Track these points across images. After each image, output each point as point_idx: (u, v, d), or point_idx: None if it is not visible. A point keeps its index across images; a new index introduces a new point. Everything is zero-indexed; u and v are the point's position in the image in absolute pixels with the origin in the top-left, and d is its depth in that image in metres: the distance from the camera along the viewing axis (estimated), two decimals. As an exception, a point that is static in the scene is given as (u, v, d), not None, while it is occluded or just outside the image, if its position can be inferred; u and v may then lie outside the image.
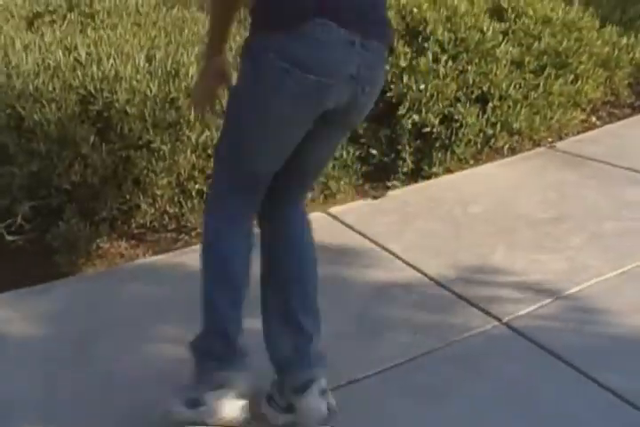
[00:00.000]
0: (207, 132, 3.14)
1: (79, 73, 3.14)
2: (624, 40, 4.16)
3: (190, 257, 2.99)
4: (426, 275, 2.65)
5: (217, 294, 1.83)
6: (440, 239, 2.94)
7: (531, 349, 2.16)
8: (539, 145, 3.97)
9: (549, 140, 4.03)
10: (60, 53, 3.28)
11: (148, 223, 3.17)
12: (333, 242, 2.86)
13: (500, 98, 3.68)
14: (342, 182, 3.54)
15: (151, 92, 3.12)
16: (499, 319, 2.32)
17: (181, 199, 3.23)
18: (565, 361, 2.08)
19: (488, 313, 2.36)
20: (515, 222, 3.05)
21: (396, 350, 2.16)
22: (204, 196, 3.26)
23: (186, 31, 3.88)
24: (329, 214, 3.28)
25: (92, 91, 3.08)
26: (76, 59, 3.30)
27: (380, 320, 2.34)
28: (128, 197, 3.11)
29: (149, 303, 2.61)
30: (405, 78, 3.51)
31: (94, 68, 3.19)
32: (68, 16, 4.29)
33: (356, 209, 3.32)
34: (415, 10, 3.65)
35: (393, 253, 2.81)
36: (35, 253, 3.00)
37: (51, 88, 3.01)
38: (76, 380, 2.13)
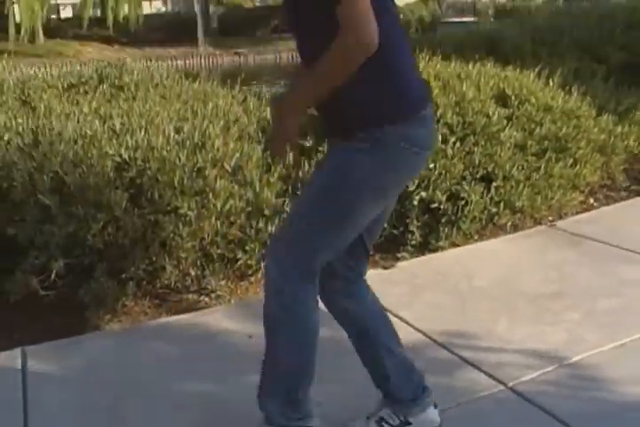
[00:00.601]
0: (231, 201, 3.35)
1: (114, 142, 3.38)
2: (619, 128, 4.45)
3: (210, 318, 3.18)
4: (435, 340, 2.82)
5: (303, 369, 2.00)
6: (447, 310, 3.11)
7: (536, 413, 2.30)
8: (540, 223, 4.19)
9: (550, 218, 4.26)
10: (97, 123, 3.53)
11: (173, 284, 3.34)
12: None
13: (504, 178, 3.92)
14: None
15: (180, 161, 3.35)
16: (504, 384, 2.47)
17: (204, 263, 3.42)
18: (569, 426, 2.22)
19: (493, 377, 2.51)
20: (517, 297, 3.23)
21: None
22: (225, 260, 3.48)
23: (210, 105, 4.16)
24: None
25: (127, 159, 3.31)
26: (111, 128, 3.55)
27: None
28: (154, 258, 3.29)
29: (172, 360, 2.76)
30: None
31: (128, 137, 3.43)
32: (99, 88, 4.58)
33: (367, 278, 3.49)
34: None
35: (403, 320, 2.97)
36: (65, 308, 3.17)
37: (89, 155, 3.24)
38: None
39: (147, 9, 29.78)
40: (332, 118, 1.97)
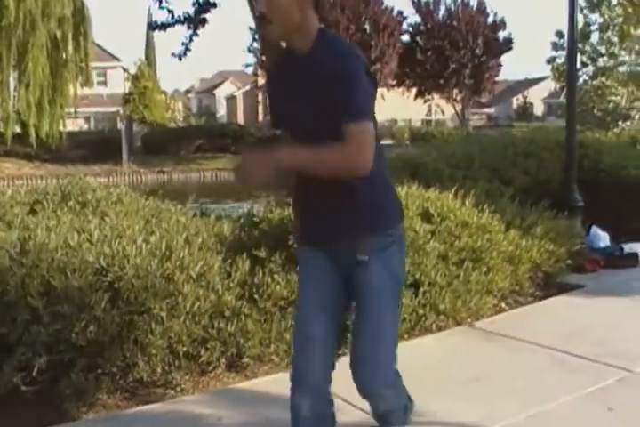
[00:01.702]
0: (197, 303, 3.81)
1: (93, 251, 3.83)
2: (524, 242, 5.17)
3: (179, 406, 3.56)
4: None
5: None
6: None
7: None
8: (460, 324, 4.76)
9: (468, 320, 4.84)
10: (75, 234, 3.98)
11: (144, 378, 3.70)
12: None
13: (430, 284, 4.53)
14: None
15: (151, 268, 3.82)
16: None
17: (170, 359, 3.81)
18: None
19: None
20: (445, 381, 3.75)
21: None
22: (189, 356, 3.88)
23: (172, 219, 4.69)
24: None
25: (105, 266, 3.76)
26: (88, 239, 4.01)
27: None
28: (128, 354, 3.67)
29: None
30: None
31: (105, 247, 3.90)
32: (63, 204, 5.04)
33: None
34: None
35: (347, 401, 3.42)
36: (43, 400, 3.48)
37: (72, 262, 3.67)
38: None
39: (69, 126, 30.37)
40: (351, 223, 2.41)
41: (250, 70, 44.59)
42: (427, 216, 4.79)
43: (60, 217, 4.35)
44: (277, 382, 3.83)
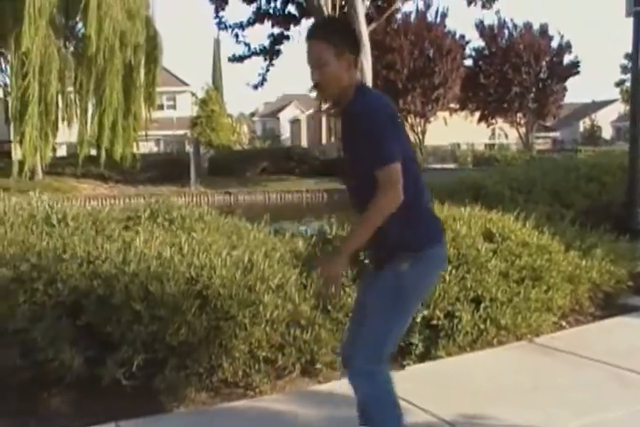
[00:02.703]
0: (276, 312, 4.18)
1: (184, 262, 4.25)
2: (583, 262, 5.40)
3: (255, 405, 3.91)
4: (445, 421, 3.58)
5: None
6: (452, 400, 3.88)
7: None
8: (520, 339, 5.00)
9: (529, 336, 5.07)
10: (168, 247, 4.41)
11: (228, 379, 4.08)
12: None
13: (491, 300, 4.80)
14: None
15: (235, 279, 4.21)
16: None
17: (251, 363, 4.18)
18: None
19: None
20: (505, 390, 4.01)
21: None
22: (267, 361, 4.24)
23: (250, 236, 5.09)
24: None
25: (194, 275, 4.17)
26: (179, 252, 4.43)
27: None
28: (213, 356, 4.06)
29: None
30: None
31: (194, 259, 4.31)
32: (154, 220, 5.50)
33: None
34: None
35: (418, 406, 3.73)
36: (140, 394, 3.89)
37: (167, 271, 4.09)
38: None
39: (140, 149, 31.44)
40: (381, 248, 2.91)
41: (314, 94, 45.37)
42: (489, 236, 5.08)
43: (153, 232, 4.79)
44: (348, 386, 4.16)
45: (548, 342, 4.94)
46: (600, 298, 5.74)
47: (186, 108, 46.16)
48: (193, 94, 46.73)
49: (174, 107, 47.00)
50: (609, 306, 5.78)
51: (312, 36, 2.87)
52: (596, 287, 5.58)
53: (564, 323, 5.44)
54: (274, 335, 4.21)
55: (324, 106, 46.35)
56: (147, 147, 40.13)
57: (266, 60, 6.82)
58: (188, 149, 37.88)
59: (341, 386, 4.17)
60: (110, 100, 24.99)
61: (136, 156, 27.67)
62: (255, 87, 7.30)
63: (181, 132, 43.97)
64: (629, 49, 7.15)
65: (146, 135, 30.02)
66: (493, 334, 4.87)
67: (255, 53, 6.82)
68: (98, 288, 3.98)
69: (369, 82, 6.14)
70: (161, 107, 45.25)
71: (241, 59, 6.68)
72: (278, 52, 6.95)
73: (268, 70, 6.88)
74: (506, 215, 5.43)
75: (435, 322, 4.66)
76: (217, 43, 54.23)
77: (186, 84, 48.47)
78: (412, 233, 2.84)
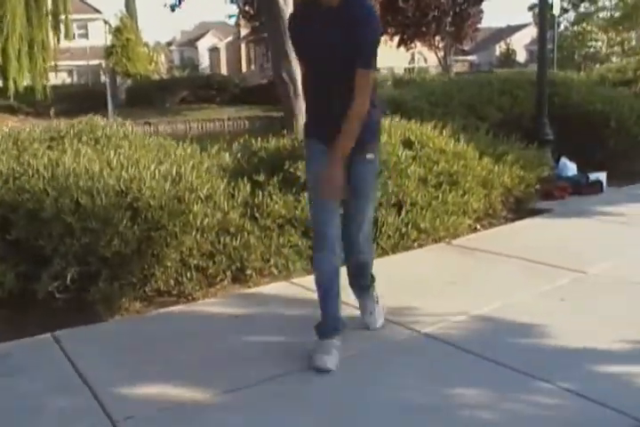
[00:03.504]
0: (206, 219, 4.32)
1: (113, 176, 4.31)
2: (496, 168, 5.70)
3: (190, 309, 4.09)
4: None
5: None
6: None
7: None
8: (439, 242, 5.30)
9: (447, 238, 5.38)
10: (97, 163, 4.46)
11: (161, 288, 4.23)
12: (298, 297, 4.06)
13: (411, 204, 5.05)
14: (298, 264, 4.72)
15: (165, 190, 4.31)
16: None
17: (183, 271, 4.33)
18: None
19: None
20: (427, 284, 4.31)
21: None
22: (198, 269, 4.40)
23: (177, 152, 5.15)
24: (292, 283, 4.46)
25: (124, 188, 4.25)
26: (108, 166, 4.48)
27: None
28: (146, 266, 4.19)
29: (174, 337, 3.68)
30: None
31: (123, 173, 4.37)
32: (79, 139, 5.49)
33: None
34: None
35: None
36: (74, 307, 4.01)
37: (97, 185, 4.15)
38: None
39: (52, 80, 30.28)
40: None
41: (232, 21, 44.22)
42: (408, 143, 5.29)
43: (80, 150, 4.80)
44: (278, 290, 4.40)
45: (464, 243, 5.26)
46: (511, 202, 6.10)
47: (99, 37, 44.26)
48: (106, 22, 44.85)
49: (86, 36, 45.02)
50: (520, 210, 6.16)
51: None
52: (507, 192, 5.91)
53: (478, 226, 5.78)
54: (204, 244, 4.35)
55: (243, 33, 45.33)
56: (59, 78, 38.69)
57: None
58: (104, 79, 36.75)
59: (271, 289, 4.43)
60: (14, 28, 23.76)
61: (46, 87, 26.55)
62: (172, 8, 7.13)
63: (95, 62, 42.39)
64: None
65: (55, 66, 28.82)
66: (414, 237, 5.14)
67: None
68: (27, 203, 4.02)
69: (289, 2, 6.14)
70: (72, 36, 43.43)
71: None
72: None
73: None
74: (424, 125, 5.64)
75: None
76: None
77: (98, 12, 46.39)
78: (373, 130, 3.30)
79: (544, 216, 6.08)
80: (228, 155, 5.07)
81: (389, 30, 39.66)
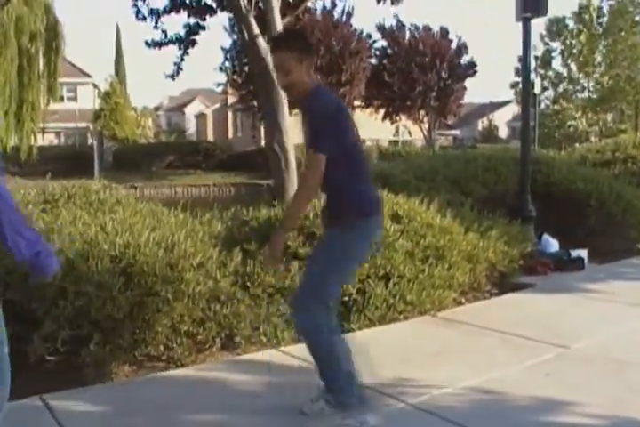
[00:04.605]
0: (198, 287, 4.39)
1: (108, 241, 4.40)
2: (481, 243, 5.84)
3: (178, 375, 4.11)
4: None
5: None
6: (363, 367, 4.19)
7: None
8: (425, 314, 5.38)
9: (432, 311, 5.46)
10: (92, 228, 4.54)
11: (151, 352, 4.26)
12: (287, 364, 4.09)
13: (399, 277, 5.15)
14: (285, 333, 4.76)
15: (159, 257, 4.39)
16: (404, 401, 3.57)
17: (173, 337, 4.37)
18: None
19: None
20: (413, 356, 4.37)
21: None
22: (189, 335, 4.44)
23: (170, 219, 5.26)
24: (280, 351, 4.50)
25: (119, 254, 4.33)
26: (103, 231, 4.57)
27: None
28: (137, 331, 4.23)
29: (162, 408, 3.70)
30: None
31: (117, 238, 4.46)
32: (73, 203, 5.59)
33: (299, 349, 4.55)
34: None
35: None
36: (65, 370, 4.01)
37: (91, 250, 4.23)
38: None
39: (39, 141, 30.50)
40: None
41: (220, 89, 45.15)
42: (396, 217, 5.43)
43: (76, 213, 4.89)
44: (266, 357, 4.43)
45: (449, 316, 5.34)
46: (495, 277, 6.22)
47: (88, 100, 45.04)
48: (95, 86, 45.69)
49: (75, 99, 45.71)
50: (504, 285, 6.27)
51: (276, 47, 3.39)
52: (492, 266, 6.04)
53: (463, 300, 5.88)
54: (195, 310, 4.41)
55: (230, 101, 46.19)
56: (47, 139, 39.03)
57: (180, 49, 6.97)
58: (91, 142, 37.11)
59: (261, 356, 4.47)
60: (3, 90, 24.14)
61: (32, 148, 26.73)
62: (172, 77, 7.41)
63: (84, 124, 42.91)
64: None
65: (43, 128, 29.12)
66: (401, 309, 5.22)
67: (172, 42, 6.96)
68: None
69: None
70: (61, 98, 44.08)
71: (158, 45, 6.80)
72: (194, 42, 7.14)
73: (182, 60, 7.03)
74: (411, 199, 5.81)
75: (347, 298, 4.97)
76: (118, 32, 53.09)
77: (88, 76, 47.26)
78: (346, 207, 3.39)
79: (527, 291, 6.20)
80: (220, 223, 5.18)
81: (375, 103, 40.70)
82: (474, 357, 4.38)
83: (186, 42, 7.44)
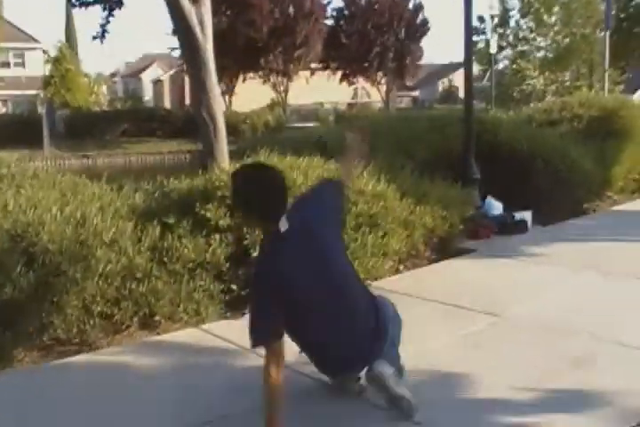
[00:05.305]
0: (110, 265, 4.11)
1: (10, 219, 4.09)
2: (418, 208, 5.62)
3: (92, 359, 3.86)
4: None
5: None
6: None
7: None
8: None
9: (368, 280, 5.25)
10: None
11: (61, 336, 3.99)
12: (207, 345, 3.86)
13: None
14: (209, 309, 4.53)
15: (66, 234, 4.10)
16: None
17: (85, 319, 4.10)
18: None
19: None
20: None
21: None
22: (103, 316, 4.18)
23: (87, 191, 4.95)
24: (203, 330, 4.27)
25: (20, 232, 4.02)
26: (4, 209, 4.25)
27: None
28: (44, 314, 3.95)
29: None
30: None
31: (20, 215, 4.15)
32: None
33: (222, 326, 4.33)
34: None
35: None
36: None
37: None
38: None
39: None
40: None
41: (176, 53, 44.02)
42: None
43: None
44: (186, 337, 4.21)
45: (385, 286, 5.13)
46: (435, 243, 6.03)
47: (37, 66, 43.57)
48: (44, 52, 44.22)
49: (23, 65, 44.22)
50: (444, 250, 6.09)
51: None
52: (430, 232, 5.83)
53: (401, 267, 5.68)
54: (108, 290, 4.15)
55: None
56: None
57: (105, 9, 6.51)
58: (41, 110, 36.05)
59: (180, 336, 4.24)
60: None
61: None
62: (100, 40, 6.96)
63: (32, 92, 41.61)
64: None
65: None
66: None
67: (98, 1, 6.53)
68: None
69: (209, 35, 6.02)
70: (7, 64, 42.59)
71: (84, 4, 6.36)
72: (120, 4, 6.70)
73: (108, 21, 6.58)
74: (344, 165, 5.53)
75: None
76: (69, -2, 51.28)
77: (36, 41, 45.68)
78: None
79: (468, 256, 6.03)
80: (138, 195, 4.89)
81: (332, 65, 40.18)
82: (405, 329, 4.17)
83: (111, 2, 7.03)
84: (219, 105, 6.18)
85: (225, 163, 5.81)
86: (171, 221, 4.57)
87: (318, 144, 7.09)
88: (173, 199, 4.78)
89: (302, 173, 4.99)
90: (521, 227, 6.89)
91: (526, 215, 7.06)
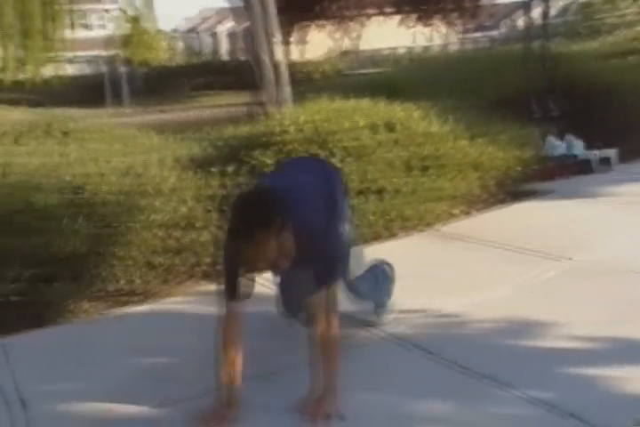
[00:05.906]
0: (168, 216, 4.08)
1: (71, 171, 4.10)
2: (489, 149, 5.36)
3: (152, 310, 3.86)
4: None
5: None
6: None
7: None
8: (424, 229, 4.98)
9: (435, 225, 5.06)
10: (55, 157, 4.25)
11: (124, 287, 4.01)
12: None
13: (394, 191, 4.75)
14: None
15: (126, 184, 4.09)
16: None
17: (147, 269, 4.09)
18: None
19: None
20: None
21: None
22: (164, 266, 4.16)
23: (146, 144, 4.94)
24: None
25: (81, 184, 4.03)
26: (66, 162, 4.27)
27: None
28: (106, 266, 3.97)
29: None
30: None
31: (80, 168, 4.16)
32: (47, 134, 5.29)
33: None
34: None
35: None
36: (33, 309, 3.79)
37: (51, 182, 3.94)
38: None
39: (68, 70, 29.96)
40: None
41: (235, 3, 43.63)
42: (389, 126, 4.98)
43: (42, 144, 4.60)
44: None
45: (449, 231, 4.93)
46: (509, 184, 5.75)
47: (116, 27, 44.07)
48: (124, 11, 44.59)
49: (103, 26, 44.80)
50: (518, 191, 5.81)
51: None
52: (502, 174, 5.57)
53: (472, 210, 5.44)
54: (169, 240, 4.13)
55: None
56: (77, 69, 38.52)
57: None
58: (122, 69, 36.58)
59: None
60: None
61: (55, 78, 26.14)
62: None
63: (114, 52, 42.22)
64: None
65: (57, 56, 28.41)
66: (399, 224, 4.84)
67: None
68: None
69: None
70: (89, 26, 43.06)
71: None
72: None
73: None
74: (410, 106, 5.34)
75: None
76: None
77: (115, 2, 46.14)
78: None
79: (543, 198, 5.73)
80: (198, 145, 4.83)
81: (406, 9, 39.07)
82: (465, 276, 3.99)
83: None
84: (279, 50, 6.03)
85: (287, 108, 5.68)
86: (230, 169, 4.49)
87: (387, 86, 6.85)
88: (233, 146, 4.69)
89: (364, 115, 4.82)
90: (604, 166, 6.50)
91: (610, 153, 6.66)
